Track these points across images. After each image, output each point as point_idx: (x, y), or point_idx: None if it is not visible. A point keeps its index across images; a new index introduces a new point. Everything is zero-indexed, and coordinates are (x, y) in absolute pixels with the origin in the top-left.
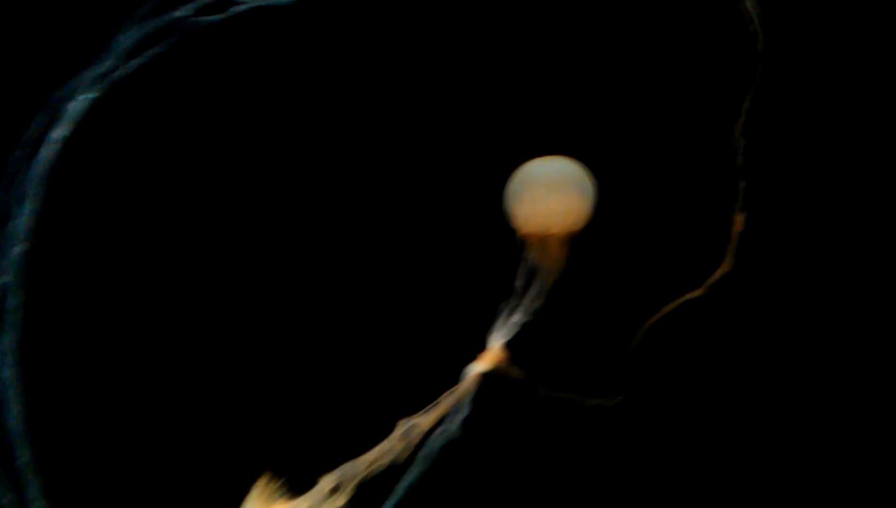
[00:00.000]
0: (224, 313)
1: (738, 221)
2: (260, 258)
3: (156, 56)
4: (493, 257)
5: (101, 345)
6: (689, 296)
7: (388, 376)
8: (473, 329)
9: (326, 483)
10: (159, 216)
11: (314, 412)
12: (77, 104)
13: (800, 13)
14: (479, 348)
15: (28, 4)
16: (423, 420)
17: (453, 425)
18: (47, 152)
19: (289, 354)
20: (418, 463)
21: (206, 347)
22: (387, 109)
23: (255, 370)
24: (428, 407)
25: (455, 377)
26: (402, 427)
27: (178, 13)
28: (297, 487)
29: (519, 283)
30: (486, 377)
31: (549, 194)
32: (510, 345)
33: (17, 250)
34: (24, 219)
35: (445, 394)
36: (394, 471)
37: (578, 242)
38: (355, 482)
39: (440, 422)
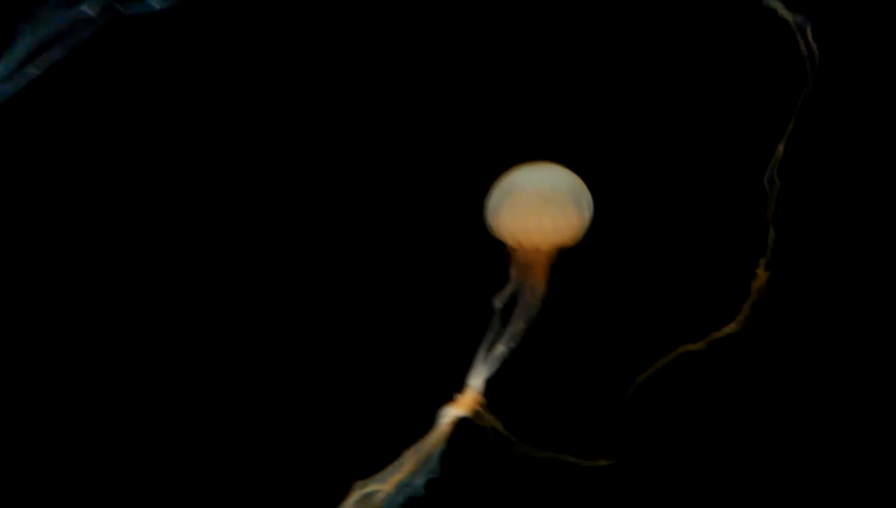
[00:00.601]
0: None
1: (762, 276)
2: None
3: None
4: (472, 273)
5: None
6: (685, 349)
7: (348, 419)
8: (447, 359)
9: None
10: (77, 211)
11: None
12: None
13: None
14: (451, 384)
15: None
16: (383, 483)
17: (418, 482)
18: None
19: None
20: None
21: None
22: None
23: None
24: (391, 464)
25: (424, 423)
26: (357, 493)
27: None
28: None
29: (500, 305)
30: (460, 425)
31: (539, 207)
32: (489, 385)
33: None
34: None
35: (412, 445)
36: None
37: (573, 265)
38: None
39: (404, 481)
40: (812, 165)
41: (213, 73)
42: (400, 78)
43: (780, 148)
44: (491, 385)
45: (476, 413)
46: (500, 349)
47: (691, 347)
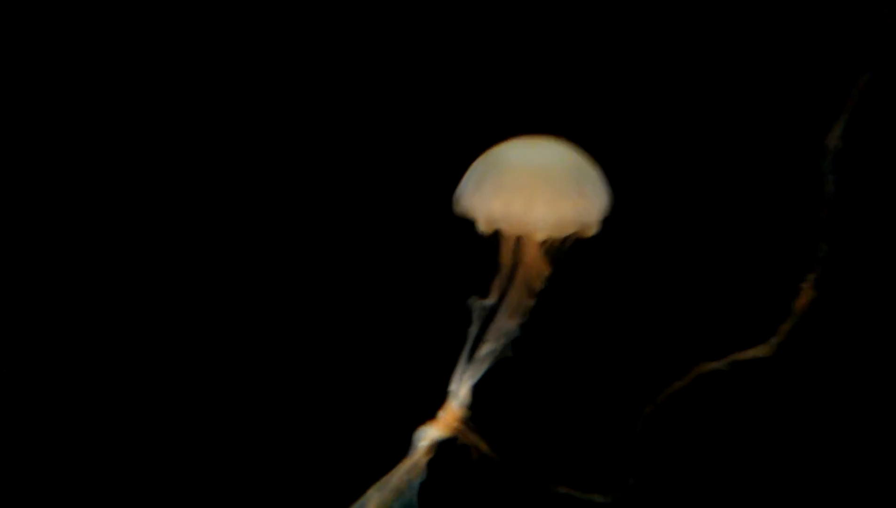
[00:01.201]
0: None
1: (807, 294)
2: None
3: None
4: (450, 264)
5: None
6: (703, 368)
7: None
8: (422, 369)
9: None
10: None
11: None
12: None
13: None
14: (431, 400)
15: None
16: None
17: None
18: None
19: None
20: None
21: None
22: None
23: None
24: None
25: (399, 446)
26: None
27: None
28: None
29: (486, 301)
30: (441, 449)
31: (529, 186)
32: (474, 399)
33: None
34: None
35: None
36: None
37: (581, 260)
38: None
39: None
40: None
41: (176, 68)
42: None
43: (837, 132)
44: (478, 396)
45: (459, 432)
46: (487, 350)
47: (710, 366)
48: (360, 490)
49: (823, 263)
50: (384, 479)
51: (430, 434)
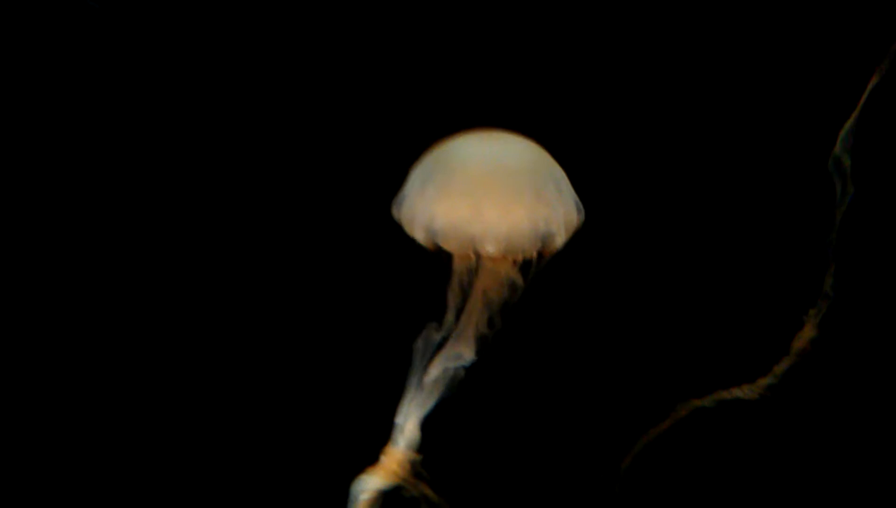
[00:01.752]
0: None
1: (808, 333)
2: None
3: None
4: (393, 281)
5: None
6: (686, 407)
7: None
8: (364, 399)
9: None
10: None
11: None
12: None
13: None
14: (375, 437)
15: None
16: None
17: None
18: None
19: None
20: None
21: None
22: None
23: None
24: None
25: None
26: None
27: None
28: None
29: (437, 328)
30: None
31: (477, 190)
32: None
33: None
34: None
35: None
36: None
37: (548, 278)
38: None
39: None
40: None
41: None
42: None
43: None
44: (428, 435)
45: (404, 480)
46: (436, 376)
47: (694, 404)
48: None
49: (829, 298)
50: None
51: (370, 485)
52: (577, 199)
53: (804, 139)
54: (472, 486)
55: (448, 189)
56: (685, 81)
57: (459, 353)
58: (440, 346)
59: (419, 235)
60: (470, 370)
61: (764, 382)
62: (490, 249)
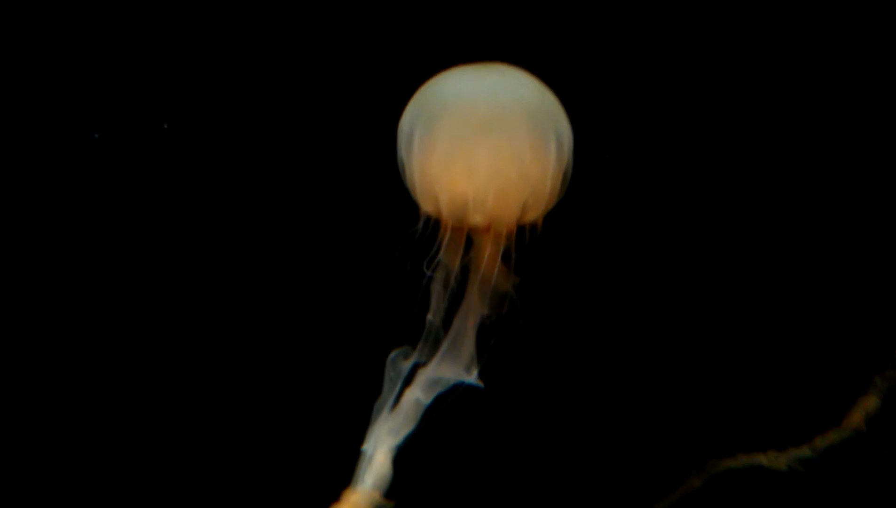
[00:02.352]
0: None
1: (870, 401)
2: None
3: None
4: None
5: None
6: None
7: None
8: (326, 423)
9: None
10: None
11: None
12: None
13: None
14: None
15: None
16: None
17: None
18: None
19: None
20: None
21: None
22: None
23: None
24: None
25: None
26: None
27: None
28: None
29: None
30: None
31: (473, 133)
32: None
33: None
34: None
35: None
36: None
37: (549, 259)
38: None
39: None
40: None
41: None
42: None
43: None
44: (405, 465)
45: None
46: (415, 399)
47: (723, 465)
48: None
49: None
50: None
51: None
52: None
53: None
54: None
55: (432, 138)
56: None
57: (445, 368)
58: (420, 360)
59: (422, 200)
60: (459, 391)
61: (800, 453)
62: (478, 218)
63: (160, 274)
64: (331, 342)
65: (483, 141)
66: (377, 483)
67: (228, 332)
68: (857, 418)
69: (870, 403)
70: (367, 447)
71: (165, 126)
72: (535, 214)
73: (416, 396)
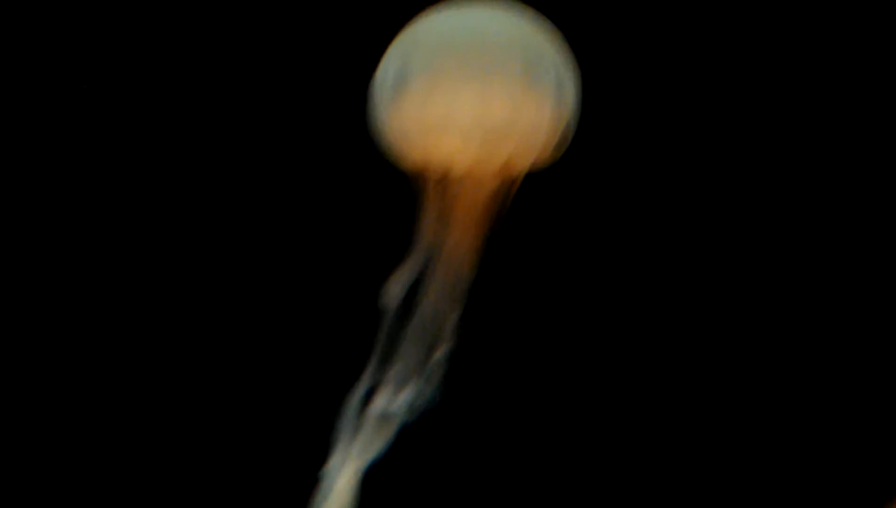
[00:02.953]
0: None
1: None
2: None
3: None
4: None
5: None
6: None
7: None
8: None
9: None
10: None
11: None
12: None
13: None
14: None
15: None
16: None
17: None
18: None
19: None
20: None
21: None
22: None
23: None
24: None
25: None
26: None
27: None
28: None
29: (393, 299)
30: None
31: (469, 78)
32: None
33: None
34: None
35: None
36: None
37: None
38: None
39: None
40: None
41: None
42: None
43: None
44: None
45: None
46: (381, 413)
47: None
48: None
49: None
50: None
51: None
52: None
53: None
54: None
55: (410, 66)
56: None
57: (422, 352)
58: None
59: (392, 140)
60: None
61: None
62: (463, 148)
63: (145, 271)
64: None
65: (471, 75)
66: None
67: (220, 329)
68: None
69: None
70: (333, 465)
71: (84, 87)
72: (523, 162)
73: (385, 404)
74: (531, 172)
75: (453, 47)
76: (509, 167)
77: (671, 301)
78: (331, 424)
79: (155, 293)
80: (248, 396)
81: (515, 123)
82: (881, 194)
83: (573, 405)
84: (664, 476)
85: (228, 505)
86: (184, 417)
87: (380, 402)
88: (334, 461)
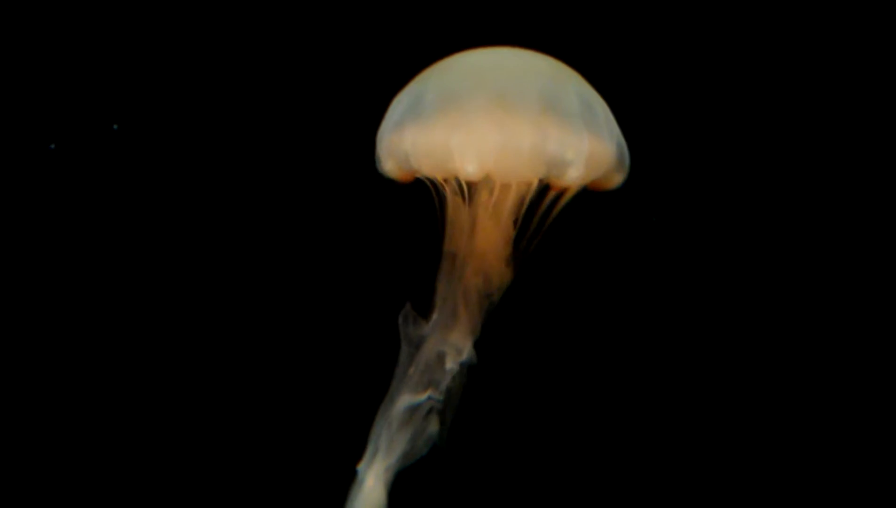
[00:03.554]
0: None
1: None
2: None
3: None
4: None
5: None
6: None
7: None
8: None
9: None
10: None
11: None
12: None
13: None
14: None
15: None
16: None
17: None
18: None
19: None
20: None
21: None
22: None
23: None
24: None
25: None
26: None
27: None
28: None
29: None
30: None
31: (487, 105)
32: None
33: None
34: None
35: None
36: None
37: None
38: None
39: None
40: None
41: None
42: None
43: None
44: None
45: None
46: (408, 408)
47: None
48: None
49: None
50: None
51: None
52: (621, 136)
53: None
54: None
55: (425, 95)
56: None
57: (445, 363)
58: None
59: (388, 164)
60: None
61: None
62: (470, 168)
63: (144, 274)
64: (325, 340)
65: (489, 102)
66: None
67: (221, 329)
68: None
69: None
70: (361, 467)
71: (115, 127)
72: (562, 180)
73: (411, 401)
74: (593, 194)
75: (473, 76)
76: (551, 187)
77: (698, 326)
78: (359, 429)
79: (179, 309)
80: (278, 404)
81: (536, 147)
82: (882, 195)
83: (596, 418)
84: (671, 493)
85: (238, 507)
86: (208, 426)
87: (402, 405)
88: (364, 462)
